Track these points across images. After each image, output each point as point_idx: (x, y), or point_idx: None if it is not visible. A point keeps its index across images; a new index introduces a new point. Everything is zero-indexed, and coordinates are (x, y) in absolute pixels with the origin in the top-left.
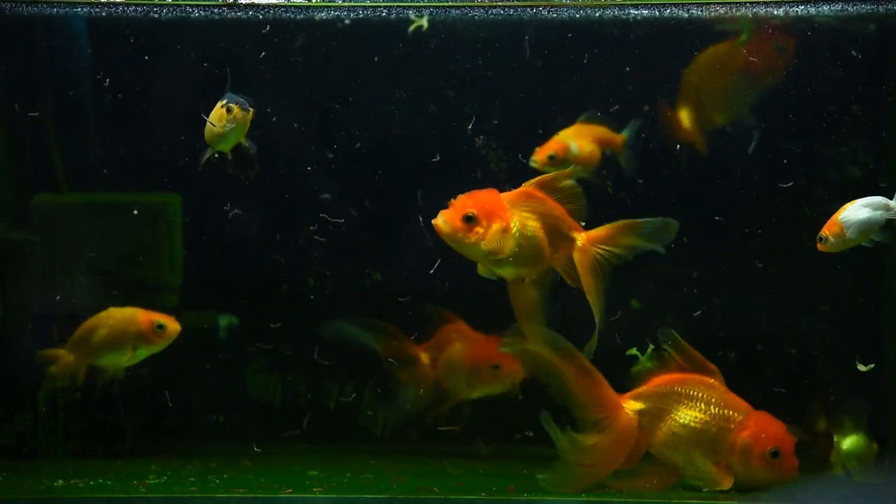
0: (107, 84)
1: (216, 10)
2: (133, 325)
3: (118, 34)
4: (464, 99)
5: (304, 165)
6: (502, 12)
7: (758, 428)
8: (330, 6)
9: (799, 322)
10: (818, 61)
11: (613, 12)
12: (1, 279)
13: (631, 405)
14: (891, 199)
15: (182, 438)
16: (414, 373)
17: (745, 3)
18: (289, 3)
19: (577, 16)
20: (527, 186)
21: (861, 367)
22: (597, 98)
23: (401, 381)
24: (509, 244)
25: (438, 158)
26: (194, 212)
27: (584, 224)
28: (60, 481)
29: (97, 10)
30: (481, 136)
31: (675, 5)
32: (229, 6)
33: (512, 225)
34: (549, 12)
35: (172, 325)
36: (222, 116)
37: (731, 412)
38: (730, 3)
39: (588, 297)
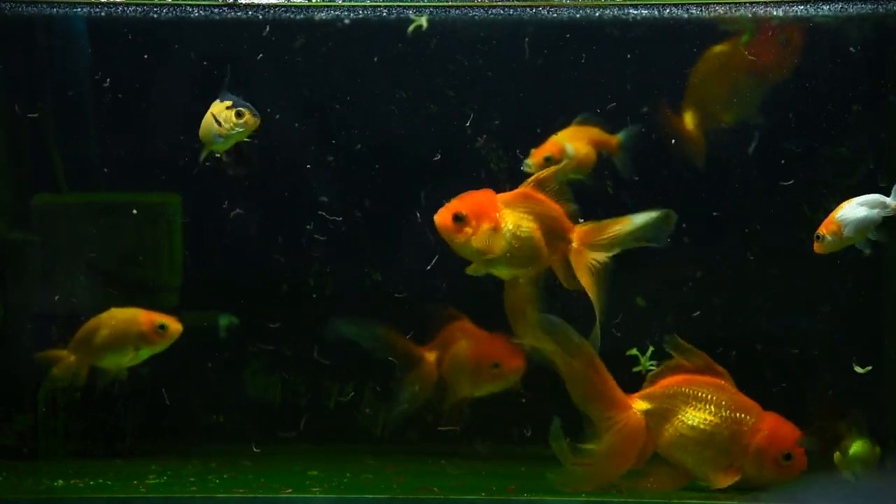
0: (107, 84)
1: (216, 10)
2: (135, 325)
3: (118, 34)
4: (464, 99)
5: (304, 165)
6: (502, 12)
7: (771, 431)
8: (330, 6)
9: (799, 322)
10: (818, 61)
11: (613, 12)
12: (1, 279)
13: (639, 405)
14: (888, 197)
15: (182, 438)
16: (420, 372)
17: (745, 3)
18: (289, 3)
19: (578, 16)
20: (524, 187)
21: (858, 370)
22: (597, 98)
23: (407, 381)
24: (499, 244)
25: (439, 158)
26: (194, 212)
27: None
28: (60, 481)
29: (97, 10)
30: (484, 136)
31: (675, 5)
32: (229, 6)
33: (503, 225)
34: (549, 12)
35: (174, 326)
36: (229, 118)
37: (742, 415)
38: (730, 3)
39: (589, 296)
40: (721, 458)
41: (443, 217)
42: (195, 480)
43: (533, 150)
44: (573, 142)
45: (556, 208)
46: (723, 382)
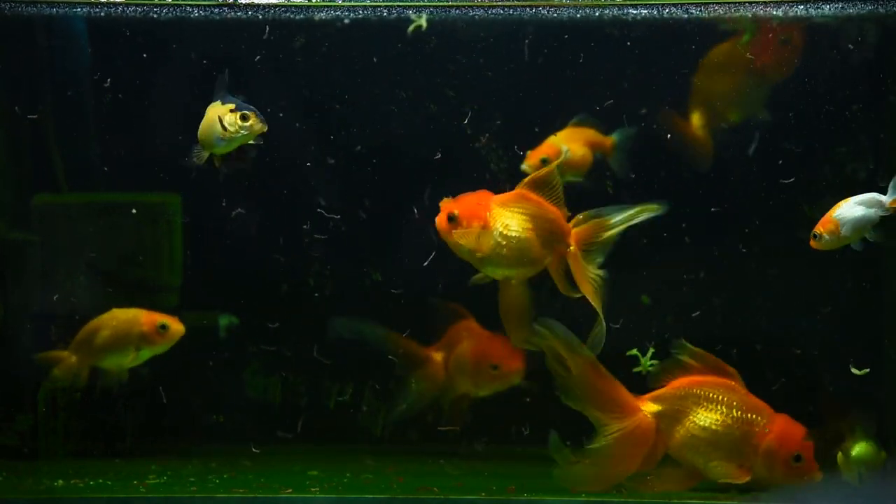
0: (106, 84)
1: (216, 10)
2: (136, 326)
3: (118, 34)
4: (464, 99)
5: (304, 165)
6: (502, 12)
7: (782, 432)
8: (330, 6)
9: (798, 322)
10: (818, 61)
11: (613, 12)
12: (1, 279)
13: (649, 407)
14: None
15: (182, 438)
16: (426, 373)
17: (745, 2)
18: (289, 3)
19: (578, 16)
20: (521, 188)
21: (855, 372)
22: (597, 98)
23: (413, 381)
24: (487, 242)
25: (439, 158)
26: (194, 212)
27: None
28: (60, 481)
29: (97, 10)
30: (486, 136)
31: (675, 5)
32: (229, 6)
33: (492, 224)
34: (549, 12)
35: (175, 326)
36: (234, 122)
37: (753, 416)
38: (730, 3)
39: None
40: (732, 458)
41: (439, 218)
42: (195, 480)
43: (529, 153)
44: (569, 143)
45: (553, 210)
46: (733, 383)
